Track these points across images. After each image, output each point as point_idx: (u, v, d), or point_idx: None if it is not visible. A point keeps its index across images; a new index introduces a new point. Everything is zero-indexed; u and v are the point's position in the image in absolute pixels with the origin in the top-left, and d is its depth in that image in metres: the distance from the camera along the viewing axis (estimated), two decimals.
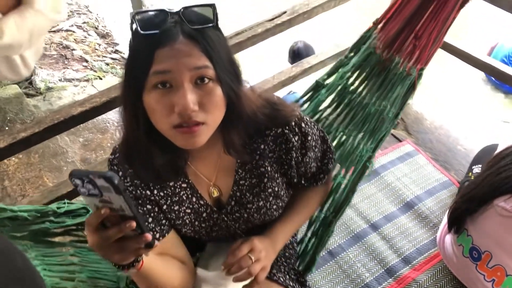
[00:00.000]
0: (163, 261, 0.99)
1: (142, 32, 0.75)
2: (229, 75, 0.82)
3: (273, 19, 1.68)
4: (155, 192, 0.99)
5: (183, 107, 0.75)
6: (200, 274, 1.09)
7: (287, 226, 1.12)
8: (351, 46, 1.46)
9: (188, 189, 1.00)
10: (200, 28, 0.77)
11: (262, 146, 0.98)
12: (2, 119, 2.73)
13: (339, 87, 1.41)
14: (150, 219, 0.98)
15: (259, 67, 3.99)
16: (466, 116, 3.57)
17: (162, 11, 0.77)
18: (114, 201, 0.67)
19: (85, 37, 3.90)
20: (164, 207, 1.00)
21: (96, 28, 4.04)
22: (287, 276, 1.18)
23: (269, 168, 1.01)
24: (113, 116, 2.81)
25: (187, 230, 1.05)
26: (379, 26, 1.41)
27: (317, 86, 1.44)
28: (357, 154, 1.35)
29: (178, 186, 1.00)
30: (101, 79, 3.41)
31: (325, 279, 1.64)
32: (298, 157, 1.02)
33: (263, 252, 1.00)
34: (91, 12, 4.23)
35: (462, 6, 1.31)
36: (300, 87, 3.34)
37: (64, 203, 1.26)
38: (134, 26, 0.76)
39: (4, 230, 1.19)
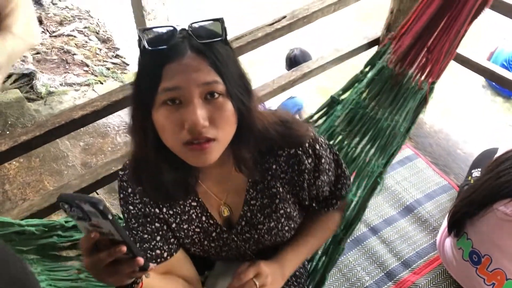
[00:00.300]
0: (166, 282, 0.97)
1: (150, 48, 0.75)
2: (239, 89, 0.80)
3: (273, 23, 1.68)
4: (164, 210, 0.98)
5: (193, 123, 0.73)
6: None
7: (297, 252, 1.08)
8: (366, 61, 1.46)
9: (198, 207, 0.98)
10: (208, 42, 0.76)
11: (274, 166, 0.96)
12: (3, 123, 2.74)
13: (353, 102, 1.40)
14: (158, 238, 0.97)
15: (259, 71, 4.00)
16: (465, 120, 3.58)
17: (170, 27, 0.77)
18: (103, 225, 0.66)
19: (86, 42, 3.92)
20: (173, 225, 0.99)
21: (97, 33, 4.06)
22: None
23: (281, 189, 0.98)
24: (114, 120, 2.82)
25: (196, 249, 1.03)
26: (395, 41, 1.41)
27: (332, 102, 1.43)
28: (368, 170, 1.34)
29: (188, 205, 0.98)
30: (101, 83, 3.42)
31: None
32: (311, 180, 0.99)
33: (269, 277, 0.97)
34: (92, 17, 4.25)
35: (474, 18, 1.31)
36: (300, 91, 3.36)
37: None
38: (142, 43, 0.76)
39: (11, 244, 1.18)
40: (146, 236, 0.97)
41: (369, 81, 1.40)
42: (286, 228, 1.03)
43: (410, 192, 1.95)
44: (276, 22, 1.69)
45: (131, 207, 0.96)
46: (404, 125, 1.34)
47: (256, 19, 4.54)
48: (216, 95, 0.76)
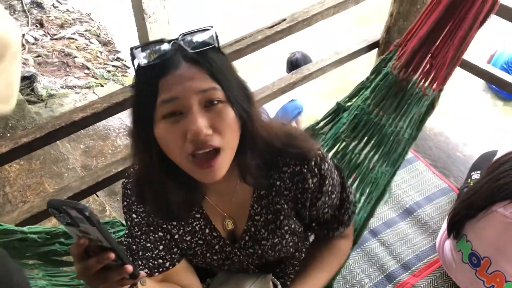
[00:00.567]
0: None
1: (143, 64, 0.74)
2: (239, 95, 0.79)
3: (272, 26, 1.69)
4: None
5: (196, 132, 0.72)
6: None
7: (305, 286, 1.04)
8: (372, 68, 1.46)
9: (202, 219, 0.98)
10: (201, 51, 0.75)
11: (278, 183, 0.94)
12: (4, 125, 2.75)
13: (357, 108, 1.40)
14: (161, 247, 0.97)
15: (258, 73, 4.01)
16: (465, 123, 3.58)
17: (160, 41, 0.76)
18: (90, 232, 0.66)
19: (87, 44, 3.93)
20: (176, 236, 0.98)
21: (98, 36, 4.07)
22: None
23: (285, 205, 0.96)
24: (114, 123, 2.83)
25: (198, 261, 1.03)
26: (400, 47, 1.41)
27: (338, 109, 1.43)
28: (372, 176, 1.34)
29: (192, 216, 0.97)
30: (102, 86, 3.43)
31: None
32: (312, 200, 0.96)
33: None
34: (93, 20, 4.26)
35: (481, 25, 1.31)
36: (300, 94, 3.36)
37: None
38: (135, 60, 0.75)
39: (13, 251, 1.18)
40: (149, 245, 0.97)
41: (373, 87, 1.40)
42: (291, 244, 1.02)
43: (410, 195, 1.95)
44: (276, 24, 1.70)
45: (134, 216, 0.96)
46: (408, 131, 1.33)
47: (257, 20, 4.56)
48: (216, 102, 0.75)
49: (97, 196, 2.25)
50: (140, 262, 0.97)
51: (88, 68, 3.59)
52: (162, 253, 0.98)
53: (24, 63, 3.41)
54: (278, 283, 1.14)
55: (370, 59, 2.34)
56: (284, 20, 1.71)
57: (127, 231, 1.00)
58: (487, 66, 2.11)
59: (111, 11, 4.40)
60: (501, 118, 3.68)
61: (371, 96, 1.41)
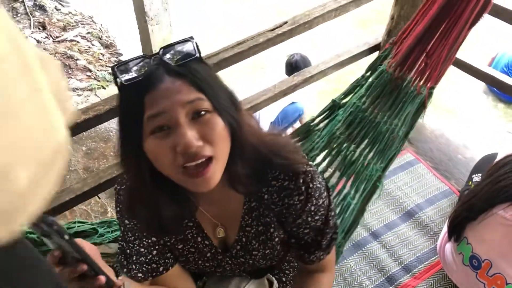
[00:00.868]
0: None
1: (126, 82, 0.74)
2: (225, 103, 0.78)
3: (274, 29, 1.70)
4: None
5: (185, 146, 0.71)
6: None
7: None
8: (368, 66, 1.47)
9: (194, 228, 0.98)
10: (183, 63, 0.75)
11: (266, 196, 0.93)
12: None
13: (353, 106, 1.41)
14: (154, 252, 0.98)
15: (259, 76, 4.02)
16: (466, 125, 3.58)
17: (141, 57, 0.76)
18: (63, 244, 0.67)
19: (89, 47, 3.94)
20: (168, 244, 0.99)
21: (100, 38, 4.08)
22: None
23: (274, 218, 0.96)
24: (116, 125, 2.83)
25: (190, 267, 1.04)
26: (396, 46, 1.42)
27: (334, 106, 1.44)
28: (366, 173, 1.35)
29: (184, 225, 0.97)
30: (104, 88, 3.44)
31: None
32: (294, 216, 0.95)
33: None
34: (95, 23, 4.28)
35: (472, 25, 1.32)
36: (301, 96, 3.37)
37: (75, 222, 1.25)
38: (118, 79, 0.75)
39: None
40: (142, 249, 0.98)
41: (368, 85, 1.41)
42: (282, 253, 1.04)
43: (411, 197, 1.96)
44: (277, 27, 1.70)
45: (127, 222, 0.97)
46: (402, 129, 1.35)
47: (257, 21, 4.56)
48: (203, 113, 0.74)
49: (99, 198, 2.26)
50: (134, 266, 0.98)
51: (90, 71, 3.60)
52: (155, 258, 0.98)
53: None
54: (274, 279, 1.15)
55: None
56: (286, 22, 1.72)
57: (121, 235, 1.01)
58: (488, 68, 2.11)
59: (113, 13, 4.41)
60: (502, 120, 3.69)
61: (366, 94, 1.42)
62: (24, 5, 4.21)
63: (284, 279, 1.20)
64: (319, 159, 1.43)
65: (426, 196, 1.97)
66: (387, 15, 2.10)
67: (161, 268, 0.99)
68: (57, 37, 3.94)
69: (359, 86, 1.45)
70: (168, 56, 0.76)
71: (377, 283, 1.65)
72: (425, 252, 1.75)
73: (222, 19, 4.83)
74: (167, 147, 0.73)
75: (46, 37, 3.90)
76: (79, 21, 4.23)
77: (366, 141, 1.39)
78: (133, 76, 0.74)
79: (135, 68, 0.75)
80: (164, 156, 0.74)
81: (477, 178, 1.83)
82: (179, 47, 0.77)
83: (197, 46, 0.78)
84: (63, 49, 3.79)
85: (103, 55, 3.90)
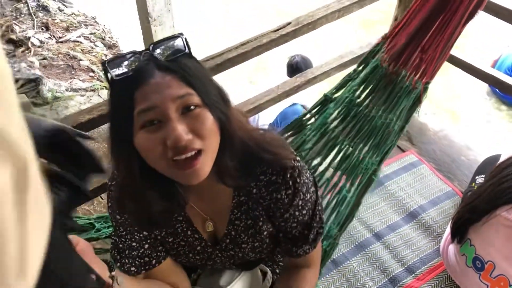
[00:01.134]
0: (147, 285, 1.00)
1: (116, 78, 0.75)
2: (215, 97, 0.80)
3: (277, 29, 1.70)
4: None
5: (175, 140, 0.72)
6: None
7: None
8: (360, 60, 1.47)
9: (183, 222, 0.99)
10: (173, 58, 0.76)
11: (255, 191, 0.95)
12: None
13: (346, 100, 1.42)
14: (146, 246, 0.99)
15: (260, 77, 4.03)
16: (469, 127, 3.58)
17: (131, 53, 0.77)
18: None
19: (92, 47, 3.95)
20: (159, 237, 1.00)
21: (103, 39, 4.09)
22: None
23: (263, 212, 0.97)
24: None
25: (181, 260, 1.05)
26: (388, 40, 1.42)
27: (325, 100, 1.44)
28: (362, 167, 1.35)
29: (174, 219, 0.98)
30: (107, 89, 3.44)
31: None
32: (282, 211, 0.96)
33: None
34: (98, 23, 4.28)
35: (467, 21, 1.32)
36: (304, 97, 3.37)
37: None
38: (109, 74, 0.76)
39: None
40: (134, 244, 0.98)
41: (362, 80, 1.42)
42: (272, 245, 1.04)
43: (414, 198, 1.96)
44: (281, 28, 1.70)
45: (118, 217, 0.97)
46: (398, 123, 1.35)
47: (257, 21, 4.56)
48: (193, 107, 0.75)
49: (102, 198, 2.26)
50: (127, 260, 0.99)
51: (93, 71, 3.61)
52: (147, 251, 0.99)
53: (29, 66, 3.43)
54: (268, 269, 1.16)
55: None
56: (289, 23, 1.72)
57: (113, 230, 1.02)
58: (492, 70, 2.11)
59: (116, 14, 4.42)
60: (505, 122, 3.68)
61: (361, 88, 1.42)
62: (28, 5, 4.22)
63: (278, 270, 1.22)
64: (313, 153, 1.44)
65: (429, 197, 1.96)
66: (390, 16, 2.10)
67: (153, 262, 1.00)
68: (60, 37, 3.95)
69: (351, 80, 1.45)
70: (158, 51, 0.77)
71: (380, 284, 1.65)
72: (428, 253, 1.75)
73: (221, 20, 4.83)
74: (157, 141, 0.74)
75: (49, 37, 3.91)
76: (82, 21, 4.24)
77: (361, 135, 1.39)
78: (123, 71, 0.75)
79: (125, 63, 0.76)
80: (154, 150, 0.75)
81: (480, 179, 1.82)
82: (169, 43, 0.79)
83: (187, 42, 0.79)
84: (66, 50, 3.79)
85: (106, 55, 3.90)
